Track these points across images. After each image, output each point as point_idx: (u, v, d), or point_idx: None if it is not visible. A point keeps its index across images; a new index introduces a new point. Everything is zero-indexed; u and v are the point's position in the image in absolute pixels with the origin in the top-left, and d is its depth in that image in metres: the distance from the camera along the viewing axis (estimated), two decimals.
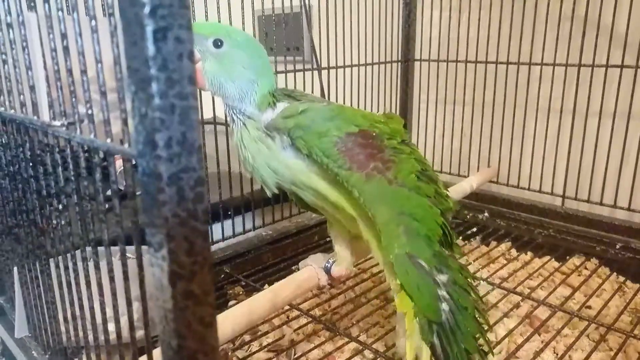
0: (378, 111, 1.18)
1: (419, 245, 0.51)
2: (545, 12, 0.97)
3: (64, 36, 0.30)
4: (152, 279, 0.25)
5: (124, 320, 0.37)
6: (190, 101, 0.23)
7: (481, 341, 0.54)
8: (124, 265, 0.33)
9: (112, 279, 0.35)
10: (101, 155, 0.30)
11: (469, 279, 0.56)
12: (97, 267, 0.37)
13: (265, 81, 0.56)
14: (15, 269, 0.57)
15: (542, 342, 0.73)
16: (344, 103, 1.08)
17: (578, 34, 0.93)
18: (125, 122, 0.27)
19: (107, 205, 0.34)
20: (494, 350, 0.68)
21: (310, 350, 0.68)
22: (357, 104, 1.10)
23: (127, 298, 0.34)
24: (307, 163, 0.54)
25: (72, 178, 0.35)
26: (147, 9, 0.21)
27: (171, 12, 0.21)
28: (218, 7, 0.81)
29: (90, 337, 0.44)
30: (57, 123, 0.32)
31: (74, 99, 0.31)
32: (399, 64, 1.20)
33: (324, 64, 1.03)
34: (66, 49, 0.31)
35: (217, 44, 0.53)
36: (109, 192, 0.34)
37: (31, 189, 0.42)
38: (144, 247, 0.39)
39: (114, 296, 0.36)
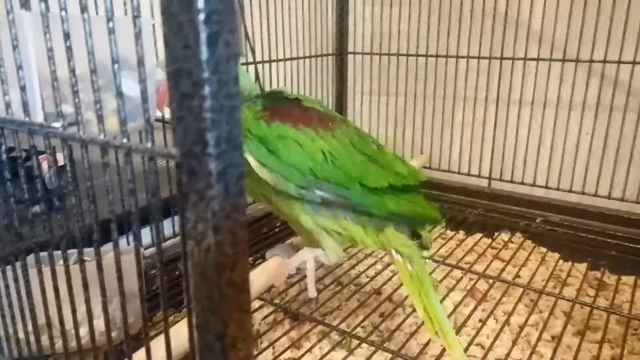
0: None
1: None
2: (470, 8, 1.05)
3: (67, 36, 0.30)
4: (193, 271, 0.27)
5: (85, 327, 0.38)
6: (235, 101, 0.24)
7: None
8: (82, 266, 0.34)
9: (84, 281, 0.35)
10: (147, 158, 0.30)
11: None
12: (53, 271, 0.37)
13: None
14: None
15: (483, 310, 0.80)
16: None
17: (499, 29, 1.02)
18: (148, 121, 0.28)
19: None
20: None
21: (277, 339, 0.70)
22: None
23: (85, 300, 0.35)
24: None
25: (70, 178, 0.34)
26: (202, 16, 0.22)
27: (222, 18, 0.23)
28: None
29: (56, 344, 0.43)
30: (57, 124, 0.32)
31: (76, 100, 0.31)
32: (334, 57, 1.24)
33: (259, 58, 1.04)
34: (69, 49, 0.30)
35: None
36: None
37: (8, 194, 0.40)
38: (104, 248, 0.40)
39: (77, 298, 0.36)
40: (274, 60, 1.07)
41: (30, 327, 0.44)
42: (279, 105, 0.59)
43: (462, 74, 1.09)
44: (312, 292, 0.64)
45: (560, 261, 0.97)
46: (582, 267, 0.93)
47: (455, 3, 1.07)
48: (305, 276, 0.65)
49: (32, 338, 0.45)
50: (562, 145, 1.01)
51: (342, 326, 0.71)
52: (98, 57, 0.31)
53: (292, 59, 1.12)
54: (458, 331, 0.71)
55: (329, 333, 0.70)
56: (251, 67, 1.02)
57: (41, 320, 0.42)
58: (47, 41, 0.32)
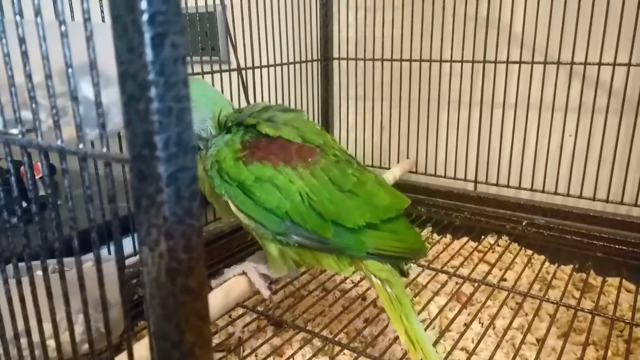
0: (301, 109, 1.21)
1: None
2: (452, 12, 1.05)
3: (22, 41, 0.30)
4: (147, 277, 0.26)
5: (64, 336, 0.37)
6: (185, 103, 0.24)
7: None
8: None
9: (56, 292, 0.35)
10: (97, 164, 0.30)
11: None
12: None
13: (198, 116, 0.61)
14: None
15: (468, 314, 0.80)
16: (265, 101, 1.09)
17: (481, 33, 1.02)
18: (103, 126, 0.28)
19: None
20: (429, 327, 0.74)
21: (259, 347, 0.69)
22: (277, 102, 1.12)
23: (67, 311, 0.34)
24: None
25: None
26: (145, 16, 0.22)
27: (167, 19, 0.22)
28: None
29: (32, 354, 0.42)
30: (14, 131, 0.31)
31: (34, 105, 0.30)
32: (319, 62, 1.24)
33: (243, 64, 1.04)
34: (25, 54, 0.30)
35: None
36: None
37: None
38: (83, 257, 0.39)
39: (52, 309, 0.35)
40: (258, 67, 1.07)
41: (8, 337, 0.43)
42: (257, 140, 0.58)
43: (446, 78, 1.10)
44: (265, 294, 0.63)
45: (547, 263, 0.97)
46: (568, 269, 0.93)
47: (437, 7, 1.07)
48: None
49: (9, 348, 0.44)
50: (546, 147, 1.02)
51: (325, 332, 0.70)
52: (73, 62, 0.30)
53: (277, 65, 1.11)
54: (442, 335, 0.70)
55: (310, 340, 0.70)
56: (236, 75, 1.02)
57: (20, 328, 0.41)
58: (3, 46, 0.31)
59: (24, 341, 0.41)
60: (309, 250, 0.59)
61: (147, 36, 0.22)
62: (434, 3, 1.07)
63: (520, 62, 0.99)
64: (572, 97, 0.97)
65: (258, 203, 0.56)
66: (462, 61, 1.06)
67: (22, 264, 0.39)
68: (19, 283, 0.38)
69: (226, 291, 0.59)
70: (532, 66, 0.98)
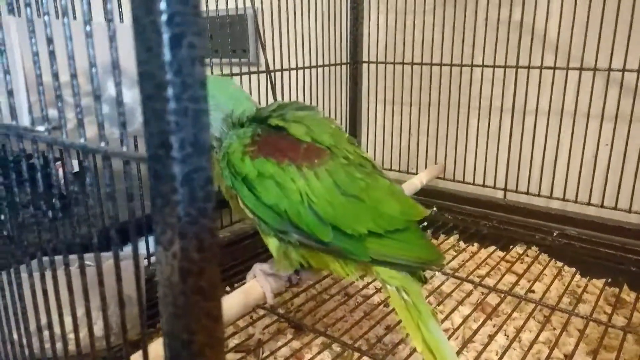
0: (329, 112, 1.21)
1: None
2: (485, 17, 1.03)
3: (50, 41, 0.30)
4: (160, 276, 0.26)
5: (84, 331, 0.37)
6: (202, 104, 0.24)
7: None
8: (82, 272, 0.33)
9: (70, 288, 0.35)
10: (114, 161, 0.30)
11: None
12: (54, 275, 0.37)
13: (215, 116, 0.61)
14: None
15: (494, 326, 0.78)
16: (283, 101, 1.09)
17: (514, 38, 1.00)
18: (124, 125, 0.28)
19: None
20: (450, 337, 0.72)
21: (278, 349, 0.69)
22: (296, 101, 1.12)
23: (86, 307, 0.34)
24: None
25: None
26: (164, 17, 0.22)
27: (185, 19, 0.22)
28: None
29: (53, 348, 0.43)
30: (41, 128, 0.32)
31: (60, 104, 0.31)
32: (348, 66, 1.23)
33: (272, 67, 1.04)
34: (52, 54, 0.31)
35: None
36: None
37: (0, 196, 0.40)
38: (104, 254, 0.39)
39: (72, 305, 0.36)
40: (287, 69, 1.07)
41: (31, 329, 0.44)
42: (267, 136, 0.58)
43: (477, 83, 1.08)
44: (269, 300, 0.62)
45: (577, 276, 0.94)
46: (600, 283, 0.90)
47: (470, 11, 1.05)
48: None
49: (32, 341, 0.45)
50: (580, 157, 0.98)
51: (345, 338, 0.70)
52: (102, 63, 0.31)
53: (306, 67, 1.12)
54: (464, 346, 0.69)
55: (330, 345, 0.69)
56: (265, 76, 1.03)
57: (41, 322, 0.42)
58: (32, 46, 0.32)
59: (46, 334, 0.43)
60: (314, 251, 0.58)
61: (165, 37, 0.22)
62: (466, 7, 1.06)
63: (554, 68, 0.97)
64: (609, 104, 0.93)
65: (259, 198, 0.55)
66: (494, 66, 1.04)
67: (46, 258, 0.40)
68: (42, 277, 0.39)
69: (245, 293, 0.59)
70: (567, 72, 0.95)
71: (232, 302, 0.58)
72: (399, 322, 0.75)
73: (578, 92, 0.95)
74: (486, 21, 1.03)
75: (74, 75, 0.30)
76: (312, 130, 0.59)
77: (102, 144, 0.30)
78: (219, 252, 0.27)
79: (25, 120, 0.35)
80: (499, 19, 1.02)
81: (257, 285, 0.60)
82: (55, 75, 0.31)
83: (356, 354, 0.66)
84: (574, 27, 0.93)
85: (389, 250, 0.57)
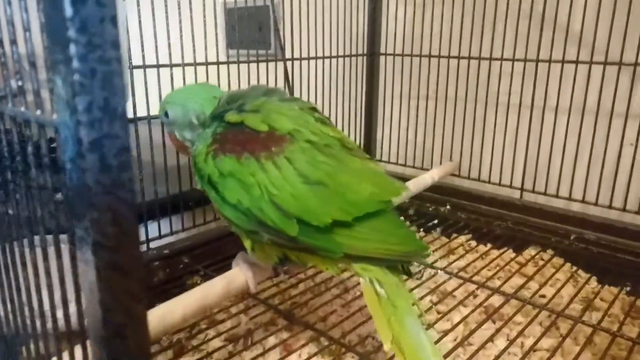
0: (343, 104, 1.19)
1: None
2: (505, 8, 0.99)
3: None
4: (78, 252, 0.25)
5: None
6: (113, 66, 0.22)
7: None
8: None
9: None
10: (32, 127, 0.29)
11: None
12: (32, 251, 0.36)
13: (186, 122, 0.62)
14: None
15: (496, 329, 0.74)
16: (310, 95, 1.08)
17: (536, 31, 0.95)
18: (51, 91, 0.27)
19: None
20: (448, 338, 0.69)
21: (265, 338, 0.68)
22: (323, 96, 1.11)
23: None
24: None
25: (5, 154, 0.34)
26: None
27: None
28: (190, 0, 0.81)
29: (30, 324, 0.43)
30: None
31: (5, 72, 0.30)
32: (365, 57, 1.21)
33: (289, 55, 1.03)
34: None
35: (166, 115, 0.63)
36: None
37: None
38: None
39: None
40: (304, 58, 1.06)
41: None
42: (226, 132, 0.56)
43: (495, 78, 1.03)
44: (252, 288, 0.61)
45: (594, 283, 0.88)
46: (617, 290, 0.85)
47: (490, 3, 1.01)
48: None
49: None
50: (602, 157, 0.93)
51: (336, 332, 0.68)
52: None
53: (322, 57, 1.10)
54: (459, 346, 0.66)
55: (317, 338, 0.67)
56: (281, 65, 1.01)
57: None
58: None
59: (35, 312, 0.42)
60: (288, 248, 0.56)
61: None
62: None
63: (577, 62, 0.92)
64: (635, 101, 0.88)
65: (224, 199, 0.53)
66: (513, 59, 0.99)
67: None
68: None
69: (228, 279, 0.58)
70: (590, 66, 0.90)
71: (215, 288, 0.57)
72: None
73: (601, 87, 0.90)
74: (507, 13, 0.99)
75: (13, 41, 0.29)
76: (269, 117, 0.56)
77: (38, 112, 0.29)
78: (137, 227, 0.25)
79: None
80: (519, 11, 0.97)
81: (241, 273, 0.59)
82: (14, 42, 0.30)
83: (343, 349, 0.64)
84: (599, 18, 0.88)
85: (362, 244, 0.53)
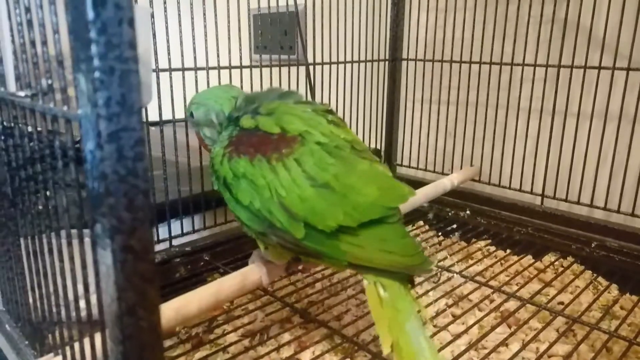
0: (364, 109, 1.20)
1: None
2: (527, 14, 0.99)
3: (27, 10, 0.32)
4: (94, 235, 0.27)
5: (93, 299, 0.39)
6: (130, 65, 0.24)
7: None
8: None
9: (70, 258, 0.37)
10: (60, 121, 0.32)
11: None
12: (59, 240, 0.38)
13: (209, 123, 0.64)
14: None
15: (511, 334, 0.74)
16: (332, 99, 1.10)
17: (558, 36, 0.95)
18: (76, 87, 0.29)
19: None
20: (461, 340, 0.70)
21: (280, 334, 0.70)
22: (344, 100, 1.12)
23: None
24: None
25: (37, 149, 0.37)
26: None
27: None
28: (215, 5, 0.83)
29: (56, 312, 0.45)
30: (21, 93, 0.34)
31: (36, 71, 0.33)
32: (387, 62, 1.22)
33: (312, 60, 1.05)
34: (29, 22, 0.32)
35: (191, 115, 0.66)
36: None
37: (1, 161, 0.43)
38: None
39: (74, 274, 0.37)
40: (327, 63, 1.08)
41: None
42: (240, 135, 0.57)
43: (517, 83, 1.03)
44: (265, 284, 0.63)
45: (615, 291, 0.87)
46: (637, 299, 0.83)
47: (512, 9, 1.01)
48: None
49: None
50: (624, 163, 0.92)
51: (351, 330, 0.69)
52: None
53: (345, 62, 1.12)
54: (473, 345, 0.66)
55: (331, 336, 0.69)
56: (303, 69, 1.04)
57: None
58: (17, 15, 0.34)
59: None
60: (295, 252, 0.57)
61: None
62: (508, 4, 1.02)
63: (599, 68, 0.91)
64: None
65: (237, 200, 0.55)
66: (534, 65, 0.99)
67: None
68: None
69: (243, 275, 0.60)
70: (613, 72, 0.89)
71: (230, 283, 0.59)
72: None
73: (624, 93, 0.89)
74: (529, 18, 0.99)
75: (44, 43, 0.31)
76: (282, 119, 0.57)
77: (65, 108, 0.31)
78: (150, 213, 0.27)
79: (12, 87, 0.38)
80: (542, 16, 0.97)
81: (256, 269, 0.61)
82: (32, 43, 0.33)
83: (356, 347, 0.65)
84: (622, 24, 0.87)
85: (365, 253, 0.53)
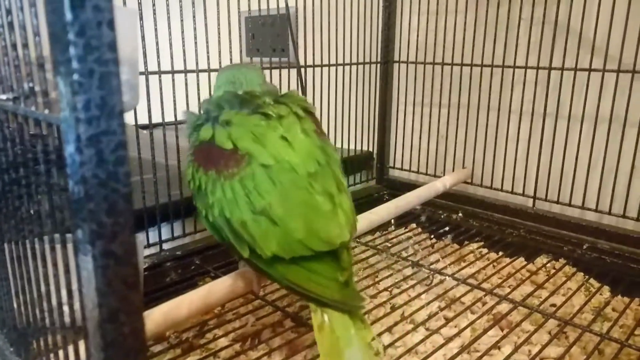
0: (356, 111, 1.20)
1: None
2: (518, 16, 0.99)
3: (8, 12, 0.32)
4: (76, 240, 0.27)
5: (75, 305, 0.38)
6: (110, 67, 0.24)
7: None
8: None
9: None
10: (38, 125, 0.31)
11: None
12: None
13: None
14: None
15: (503, 336, 0.74)
16: (324, 101, 1.10)
17: (549, 38, 0.95)
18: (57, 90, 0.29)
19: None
20: (454, 343, 0.69)
21: (271, 338, 0.69)
22: (336, 103, 1.12)
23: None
24: None
25: (20, 153, 0.36)
26: None
27: None
28: (205, 9, 0.83)
29: (40, 318, 0.45)
30: (3, 97, 0.34)
31: (18, 74, 0.33)
32: (378, 65, 1.22)
33: (304, 62, 1.05)
34: (10, 25, 0.32)
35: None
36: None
37: None
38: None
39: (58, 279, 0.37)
40: (319, 65, 1.08)
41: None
42: (201, 144, 0.56)
43: (508, 85, 1.03)
44: (255, 288, 0.62)
45: (607, 293, 0.87)
46: (629, 301, 0.83)
47: (503, 11, 1.01)
48: None
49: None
50: (615, 165, 0.92)
51: None
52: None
53: (338, 64, 1.12)
54: (466, 348, 0.66)
55: None
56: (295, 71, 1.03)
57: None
58: None
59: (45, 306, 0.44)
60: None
61: None
62: (498, 6, 1.02)
63: (590, 70, 0.91)
64: None
65: (198, 208, 0.55)
66: (525, 67, 0.99)
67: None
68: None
69: (234, 279, 0.59)
70: (603, 74, 0.90)
71: (220, 287, 0.58)
72: (414, 328, 0.73)
73: (615, 96, 0.90)
74: (519, 21, 0.99)
75: (25, 45, 0.31)
76: (234, 132, 0.55)
77: (46, 111, 0.31)
78: (132, 217, 0.27)
79: None
80: (532, 19, 0.97)
81: (247, 273, 0.60)
82: (14, 46, 0.32)
83: None
84: (612, 26, 0.87)
85: (299, 281, 0.52)
